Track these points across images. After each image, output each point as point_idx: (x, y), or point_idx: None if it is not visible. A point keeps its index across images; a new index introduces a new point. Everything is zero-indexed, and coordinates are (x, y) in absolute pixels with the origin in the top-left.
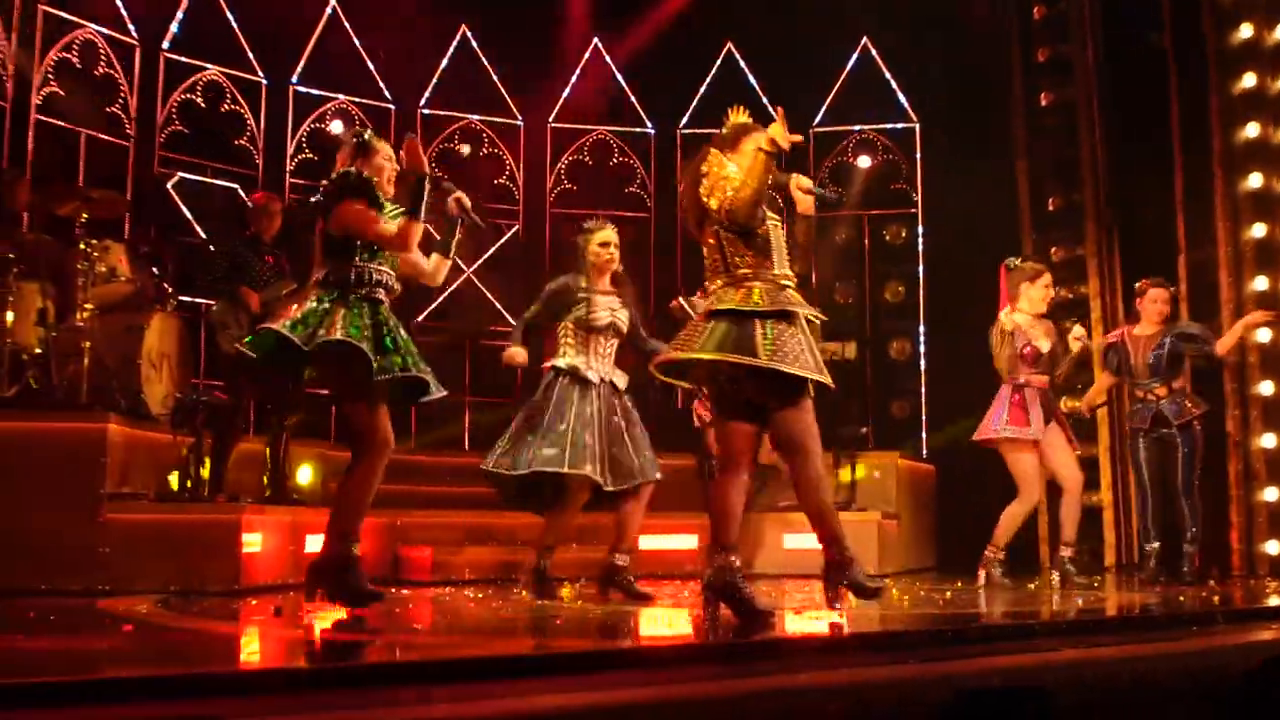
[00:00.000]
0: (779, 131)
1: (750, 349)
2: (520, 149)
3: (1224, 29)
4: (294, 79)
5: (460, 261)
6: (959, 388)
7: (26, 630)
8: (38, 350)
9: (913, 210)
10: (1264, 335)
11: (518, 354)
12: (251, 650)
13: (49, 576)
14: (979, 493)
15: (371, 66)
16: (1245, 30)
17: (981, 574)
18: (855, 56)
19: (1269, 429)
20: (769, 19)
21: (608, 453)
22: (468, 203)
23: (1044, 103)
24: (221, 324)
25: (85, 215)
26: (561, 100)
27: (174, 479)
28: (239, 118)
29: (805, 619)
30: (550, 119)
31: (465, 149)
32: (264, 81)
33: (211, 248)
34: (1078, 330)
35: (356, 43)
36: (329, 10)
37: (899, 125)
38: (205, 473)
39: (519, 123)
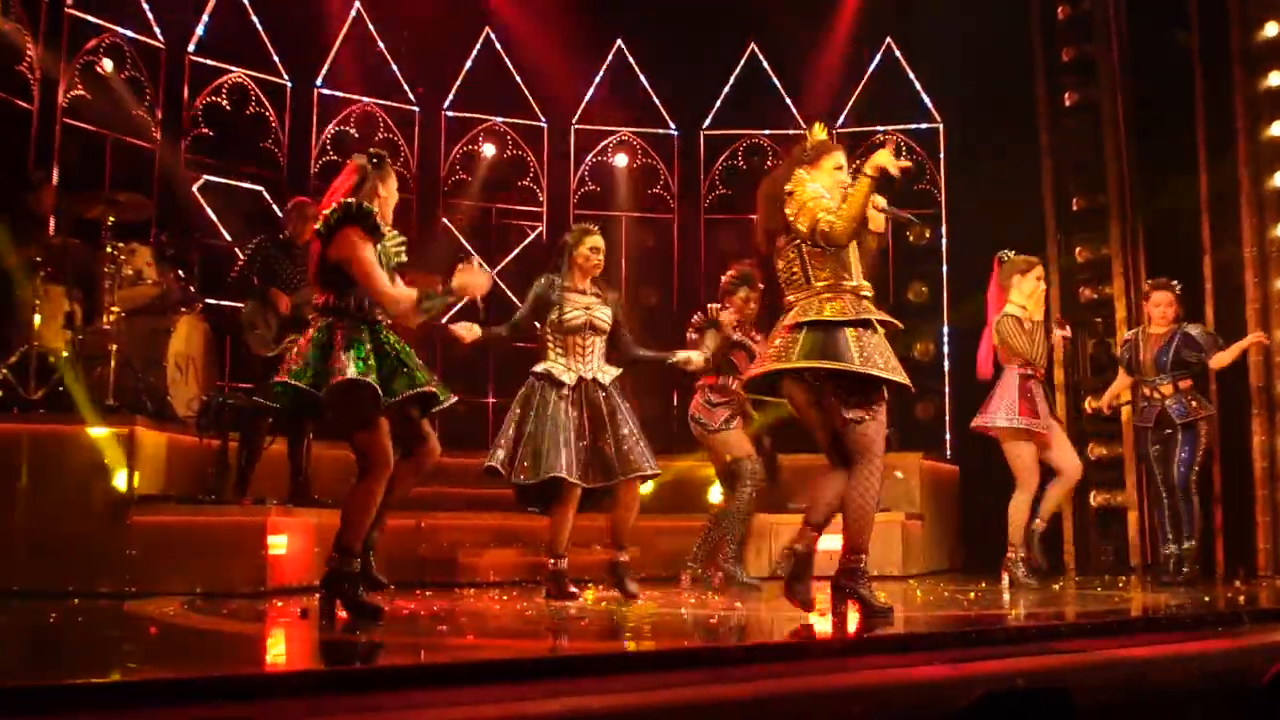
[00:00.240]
0: (888, 159)
1: (843, 355)
2: (544, 150)
3: (1249, 28)
4: (318, 81)
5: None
6: (983, 388)
7: (54, 632)
8: (65, 353)
9: (936, 210)
10: None
11: (467, 329)
12: (277, 652)
13: (76, 578)
14: (1003, 493)
15: (396, 69)
16: (1271, 29)
17: (1005, 576)
18: (879, 57)
19: None
20: (792, 19)
21: (587, 451)
22: (481, 292)
23: (1068, 103)
24: (250, 324)
25: (112, 218)
26: (585, 101)
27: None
28: (264, 120)
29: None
30: (574, 120)
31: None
32: (288, 84)
33: (239, 251)
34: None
35: (381, 45)
36: (353, 12)
37: (923, 125)
38: (231, 475)
39: (542, 124)
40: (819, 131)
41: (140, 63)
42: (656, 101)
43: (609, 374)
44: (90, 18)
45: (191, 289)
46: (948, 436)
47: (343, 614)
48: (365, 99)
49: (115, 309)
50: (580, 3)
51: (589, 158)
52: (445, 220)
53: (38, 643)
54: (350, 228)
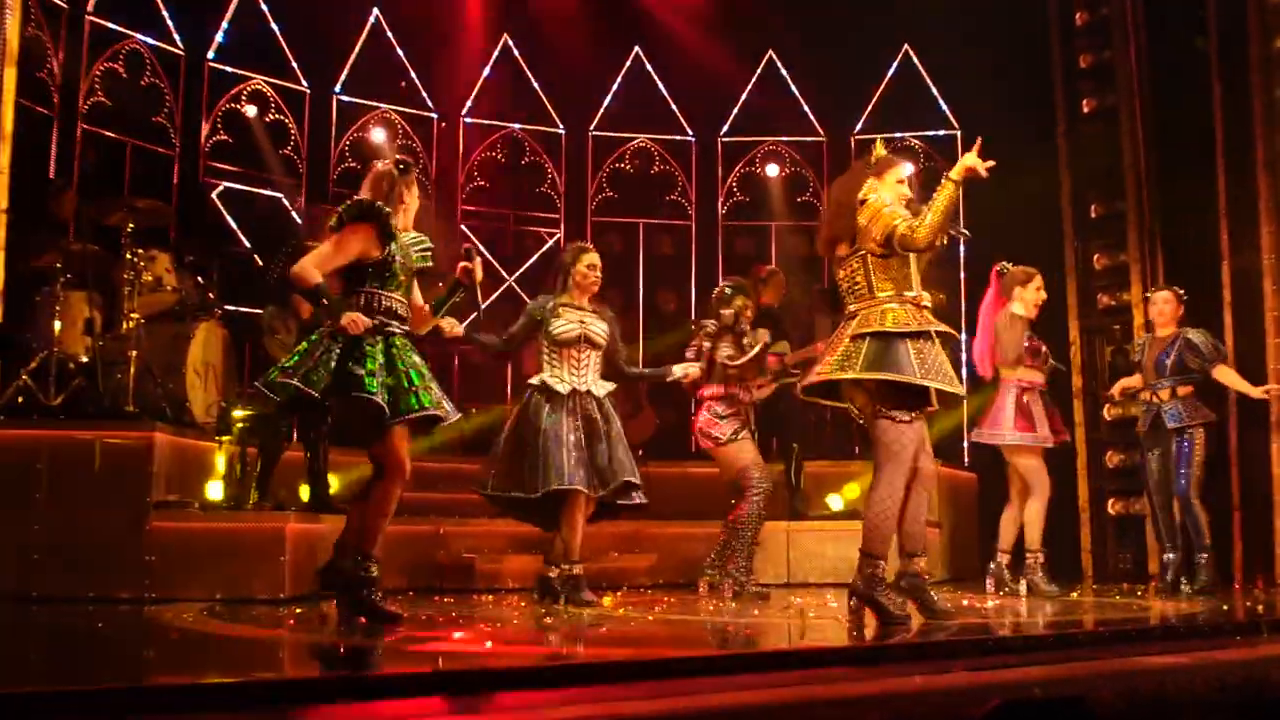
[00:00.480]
0: (976, 160)
1: (901, 366)
2: (562, 157)
3: (1268, 34)
4: (337, 88)
5: (501, 269)
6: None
7: (74, 637)
8: (84, 359)
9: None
10: None
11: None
12: (297, 658)
13: (96, 584)
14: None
15: (415, 76)
16: None
17: (1023, 583)
18: (896, 64)
19: None
20: (810, 27)
21: (585, 460)
22: (478, 277)
23: (1086, 109)
24: (270, 328)
25: (131, 225)
26: (603, 108)
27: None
28: (283, 127)
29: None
30: (592, 127)
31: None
32: (307, 91)
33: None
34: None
35: (400, 53)
36: (372, 20)
37: (940, 132)
38: (251, 480)
39: (560, 131)
40: (880, 147)
41: (160, 70)
42: (674, 108)
43: (604, 388)
44: (111, 25)
45: (210, 295)
46: (965, 444)
47: (361, 619)
48: (383, 105)
49: (135, 315)
50: (599, 10)
51: (607, 164)
52: (463, 226)
53: (58, 648)
54: (362, 224)
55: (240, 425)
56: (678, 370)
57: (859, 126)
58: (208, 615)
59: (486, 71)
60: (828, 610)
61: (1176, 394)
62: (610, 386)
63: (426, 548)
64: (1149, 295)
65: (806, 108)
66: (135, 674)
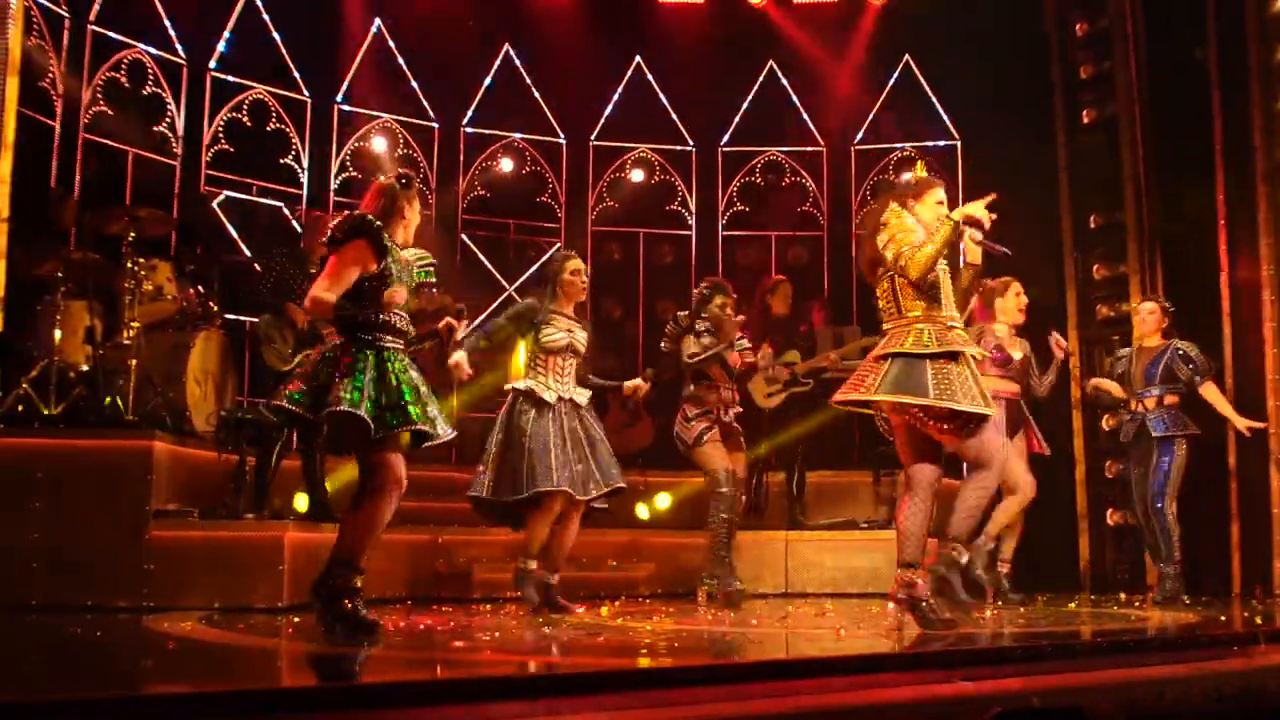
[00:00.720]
0: (980, 210)
1: (921, 389)
2: (562, 166)
3: (1268, 45)
4: (339, 97)
5: (502, 278)
6: None
7: (72, 646)
8: (85, 368)
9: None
10: None
11: (463, 365)
12: (295, 668)
13: (95, 593)
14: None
15: (416, 85)
16: None
17: (990, 592)
18: (897, 74)
19: None
20: (810, 36)
21: (571, 465)
22: (456, 336)
23: (1086, 120)
24: (267, 338)
25: (132, 234)
26: (604, 118)
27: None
28: (284, 136)
29: (843, 637)
30: (592, 136)
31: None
32: (309, 100)
33: (257, 265)
34: (1056, 336)
35: (401, 61)
36: (374, 29)
37: (941, 142)
38: (249, 489)
39: (561, 140)
40: (920, 169)
41: (162, 79)
42: (675, 118)
43: (583, 395)
44: (113, 34)
45: (211, 304)
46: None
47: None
48: (384, 115)
49: (135, 324)
50: (599, 20)
51: (607, 173)
52: (464, 236)
53: (56, 657)
54: (359, 240)
55: (238, 434)
56: (627, 385)
57: (860, 136)
58: (206, 624)
59: (488, 81)
60: (825, 620)
61: (1163, 403)
62: (588, 394)
63: (425, 557)
64: (1134, 306)
65: (807, 117)
66: (133, 683)
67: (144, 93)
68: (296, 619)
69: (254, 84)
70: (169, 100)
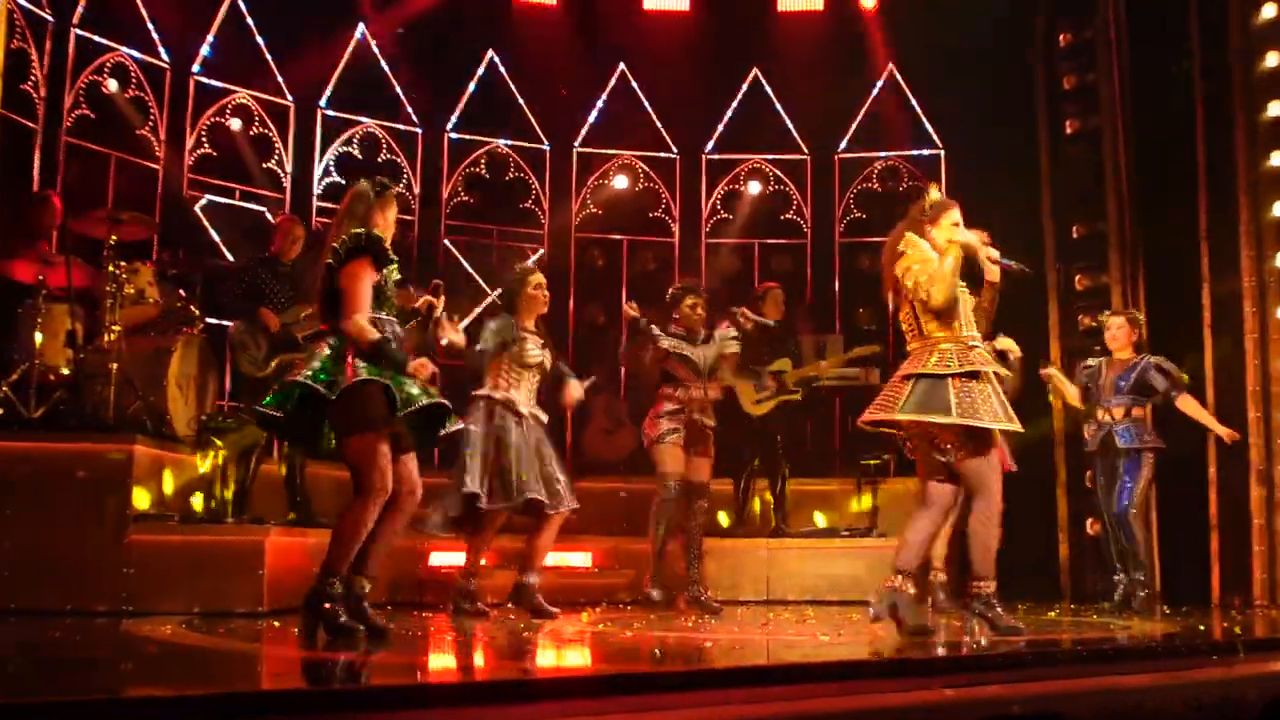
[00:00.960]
0: (984, 251)
1: (942, 407)
2: (546, 173)
3: (1250, 58)
4: (322, 102)
5: (485, 284)
6: None
7: (52, 650)
8: (66, 372)
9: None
10: None
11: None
12: (275, 672)
13: (74, 597)
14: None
15: (399, 91)
16: (1271, 60)
17: (928, 599)
18: (880, 83)
19: None
20: (795, 46)
21: (541, 476)
22: (437, 313)
23: (1069, 130)
24: (240, 344)
25: (114, 237)
26: (588, 125)
27: (198, 501)
28: (267, 140)
29: (823, 645)
30: (576, 143)
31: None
32: (292, 105)
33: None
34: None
35: (385, 66)
36: (357, 34)
37: (924, 151)
38: (229, 494)
39: (545, 147)
40: (935, 192)
41: (145, 82)
42: (659, 125)
43: (542, 413)
44: (96, 37)
45: (193, 309)
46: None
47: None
48: (367, 120)
49: (117, 328)
50: (584, 27)
51: (591, 180)
52: (447, 242)
53: (36, 661)
54: (362, 258)
55: (219, 438)
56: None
57: (844, 145)
58: (186, 628)
59: (472, 87)
60: (806, 627)
61: (1130, 414)
62: (545, 416)
63: (408, 563)
64: (1104, 319)
65: (791, 125)
66: (112, 686)
67: (127, 96)
68: (277, 623)
69: (237, 88)
70: (152, 104)
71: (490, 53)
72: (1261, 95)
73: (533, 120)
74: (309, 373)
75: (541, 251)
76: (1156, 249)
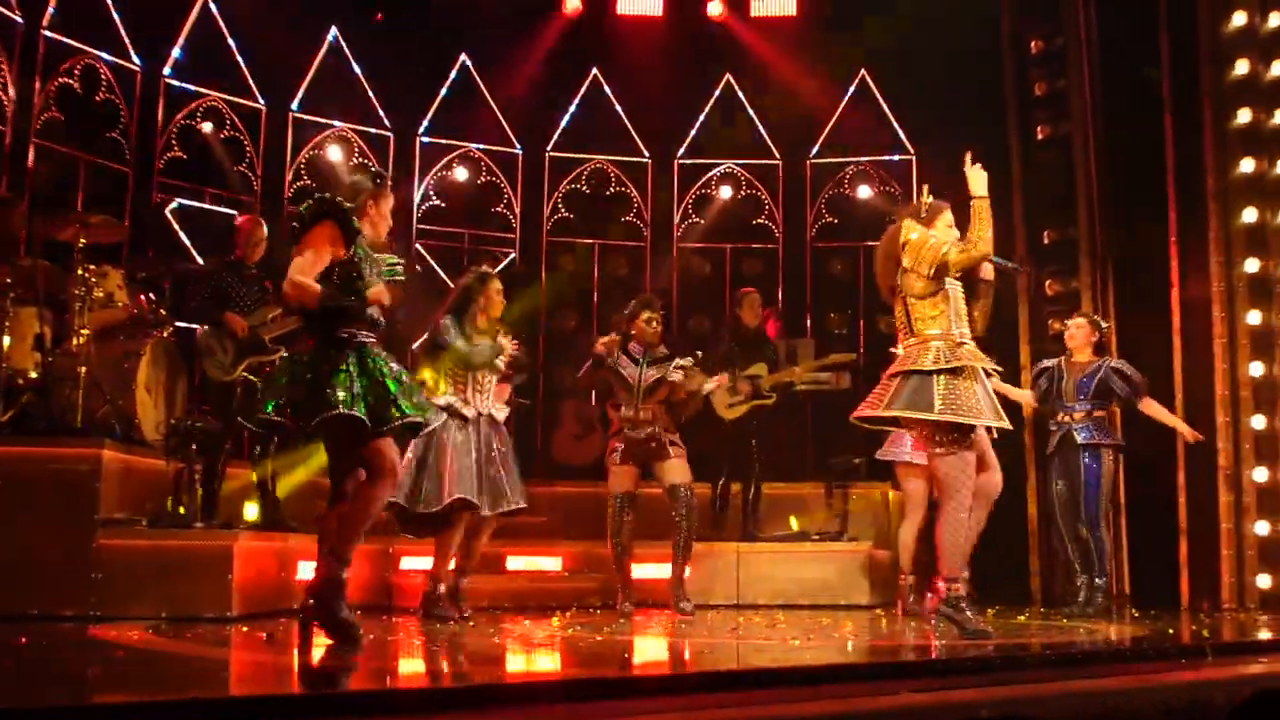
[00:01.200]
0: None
1: (926, 404)
2: (518, 177)
3: (1220, 66)
4: (294, 105)
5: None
6: None
7: (18, 655)
8: (34, 375)
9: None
10: (1256, 370)
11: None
12: (243, 677)
13: (41, 601)
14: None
15: (371, 94)
16: (1241, 66)
17: (899, 604)
18: (853, 88)
19: (1261, 462)
20: (767, 51)
21: (485, 480)
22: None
23: (1040, 136)
24: (207, 349)
25: (83, 240)
26: (560, 129)
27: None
28: (238, 144)
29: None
30: (548, 148)
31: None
32: (263, 107)
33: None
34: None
35: (357, 69)
36: (330, 38)
37: (895, 157)
38: (198, 499)
39: (518, 151)
40: (928, 196)
41: (116, 85)
42: (630, 129)
43: (502, 412)
44: (66, 39)
45: (162, 312)
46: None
47: (322, 634)
48: (339, 123)
49: (85, 331)
50: (556, 31)
51: (563, 184)
52: (418, 245)
53: (1, 666)
54: (323, 221)
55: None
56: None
57: (815, 150)
58: (154, 633)
59: (444, 91)
60: (776, 631)
61: (1091, 416)
62: (507, 411)
63: (376, 567)
64: (1066, 322)
65: (763, 130)
66: (78, 692)
67: (97, 99)
68: (245, 628)
69: (208, 91)
70: (122, 107)
71: (463, 57)
72: (1231, 102)
73: (504, 124)
74: (277, 402)
75: (512, 255)
76: (1127, 254)
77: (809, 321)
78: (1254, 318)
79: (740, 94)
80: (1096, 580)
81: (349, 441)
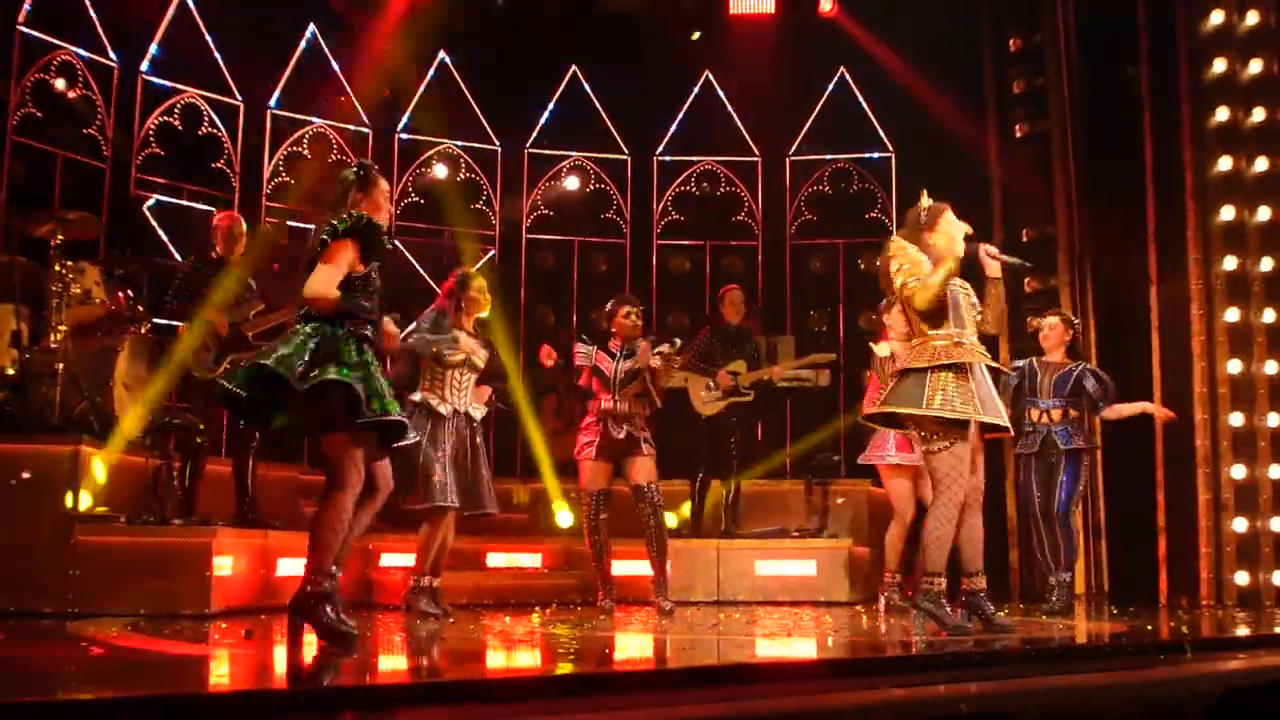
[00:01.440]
0: (983, 249)
1: (917, 400)
2: (498, 174)
3: (1198, 65)
4: (272, 102)
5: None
6: None
7: None
8: (11, 372)
9: (888, 239)
10: (1234, 367)
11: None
12: (220, 673)
13: (19, 598)
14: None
15: (350, 91)
16: (1219, 65)
17: (881, 600)
18: (832, 86)
19: (1239, 460)
20: (747, 48)
21: (464, 479)
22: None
23: (1019, 134)
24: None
25: (60, 237)
26: (539, 126)
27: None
28: (216, 140)
29: (774, 644)
30: (528, 145)
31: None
32: (241, 104)
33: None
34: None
35: (335, 67)
36: (308, 35)
37: (874, 155)
38: (176, 495)
39: (497, 148)
40: (926, 199)
41: (93, 81)
42: (610, 127)
43: (479, 411)
44: (42, 35)
45: (140, 309)
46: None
47: (314, 638)
48: (318, 120)
49: (63, 328)
50: (536, 28)
51: (542, 181)
52: (397, 242)
53: None
54: (348, 239)
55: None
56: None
57: (794, 148)
58: (132, 630)
59: (422, 88)
60: (756, 628)
61: (1068, 416)
62: (484, 411)
63: (357, 564)
64: (1040, 321)
65: (742, 127)
66: (54, 689)
67: (73, 95)
68: (224, 625)
69: (186, 87)
70: (99, 103)
71: (442, 54)
72: (1209, 100)
73: (484, 121)
74: (275, 356)
75: (492, 252)
76: (1105, 252)
77: (789, 319)
78: (1232, 315)
79: (720, 91)
80: (1064, 576)
81: (336, 420)
